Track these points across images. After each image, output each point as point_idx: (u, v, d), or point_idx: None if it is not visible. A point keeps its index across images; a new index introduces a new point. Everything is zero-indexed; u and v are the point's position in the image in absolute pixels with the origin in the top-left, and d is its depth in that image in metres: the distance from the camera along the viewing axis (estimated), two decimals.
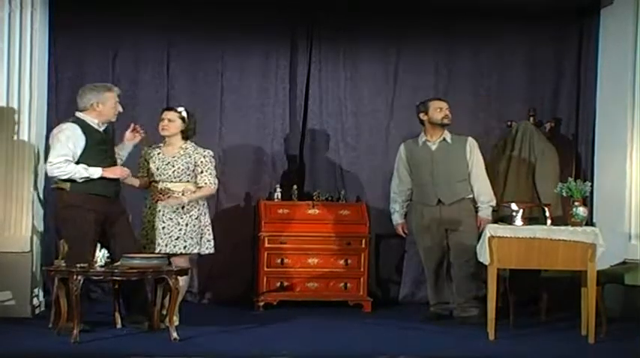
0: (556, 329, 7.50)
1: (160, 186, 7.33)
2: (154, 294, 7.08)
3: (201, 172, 7.38)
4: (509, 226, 6.98)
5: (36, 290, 7.90)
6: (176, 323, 6.88)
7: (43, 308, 7.91)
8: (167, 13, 8.75)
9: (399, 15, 8.94)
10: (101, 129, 7.12)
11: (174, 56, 8.91)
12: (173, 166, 7.34)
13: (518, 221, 7.06)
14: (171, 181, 7.33)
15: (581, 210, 6.98)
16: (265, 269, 8.38)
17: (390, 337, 7.04)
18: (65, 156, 6.91)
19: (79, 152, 6.96)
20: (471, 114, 9.02)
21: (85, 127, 7.01)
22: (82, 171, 6.92)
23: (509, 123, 8.90)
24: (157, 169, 7.36)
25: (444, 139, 7.76)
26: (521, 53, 9.20)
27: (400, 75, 9.17)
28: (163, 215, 7.27)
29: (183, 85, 8.93)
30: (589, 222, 7.92)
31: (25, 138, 7.84)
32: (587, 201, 8.28)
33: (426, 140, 7.82)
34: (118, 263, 6.74)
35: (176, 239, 7.25)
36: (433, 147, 7.77)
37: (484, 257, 6.85)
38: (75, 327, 6.44)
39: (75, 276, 6.45)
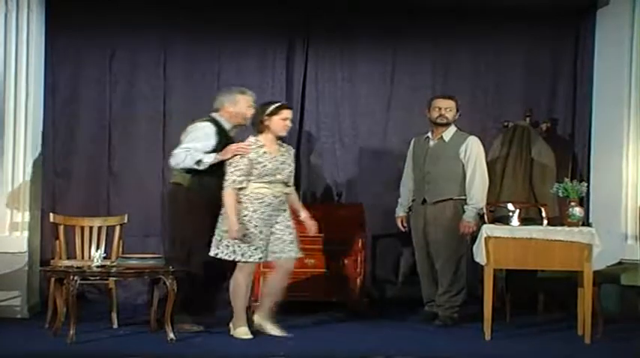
0: (552, 329, 7.51)
1: (276, 189, 6.87)
2: (151, 295, 7.09)
3: (291, 171, 7.07)
4: (506, 226, 6.99)
5: (32, 291, 7.89)
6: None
7: (39, 309, 7.90)
8: (164, 13, 8.75)
9: (395, 15, 8.93)
10: (231, 134, 7.12)
11: (171, 56, 8.91)
12: (290, 166, 6.96)
13: (515, 221, 7.07)
14: (285, 183, 6.94)
15: (578, 211, 6.98)
16: (262, 269, 8.36)
17: (387, 337, 7.04)
18: (186, 149, 6.95)
19: (207, 149, 6.95)
20: (467, 115, 8.95)
21: (219, 128, 7.06)
22: (194, 155, 6.91)
23: (505, 123, 8.91)
24: (276, 170, 6.88)
25: (442, 137, 7.74)
26: (517, 54, 9.20)
27: (397, 75, 9.16)
28: (281, 219, 6.93)
29: (180, 86, 8.93)
30: (585, 222, 7.92)
31: (22, 139, 7.84)
32: (584, 202, 8.29)
33: (427, 137, 7.83)
34: (115, 263, 6.75)
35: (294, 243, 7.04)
36: (431, 144, 7.77)
37: (480, 257, 6.86)
38: (71, 328, 6.43)
39: (71, 277, 6.45)
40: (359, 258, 8.42)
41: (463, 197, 7.62)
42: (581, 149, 9.05)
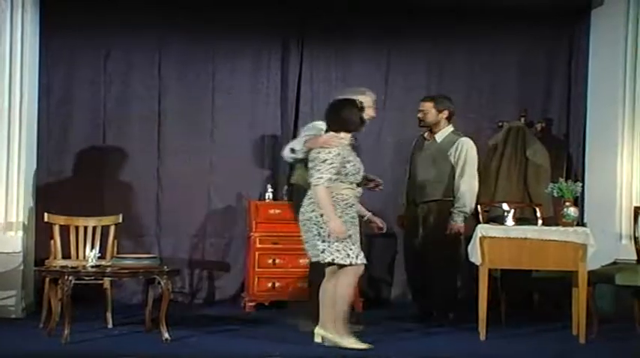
0: (547, 329, 7.51)
1: (356, 189, 6.47)
2: (146, 295, 7.08)
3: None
4: (501, 226, 6.98)
5: (27, 291, 7.88)
6: None
7: (34, 309, 7.89)
8: (158, 13, 8.74)
9: (390, 15, 8.93)
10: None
11: (166, 57, 8.90)
12: (362, 166, 6.56)
13: (510, 221, 7.06)
14: (358, 184, 6.52)
15: (572, 211, 6.99)
16: (257, 269, 8.38)
17: (382, 337, 7.02)
18: (292, 145, 6.84)
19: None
20: (462, 115, 9.00)
21: None
22: (292, 143, 6.84)
23: (500, 123, 8.92)
24: (358, 171, 6.46)
25: (434, 138, 7.75)
26: (512, 54, 9.21)
27: (392, 75, 9.17)
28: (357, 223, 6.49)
29: (175, 86, 8.92)
30: (580, 222, 7.93)
31: (16, 139, 7.83)
32: (578, 202, 8.30)
33: (424, 137, 7.84)
34: (109, 263, 6.74)
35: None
36: (425, 145, 7.78)
37: (475, 257, 6.86)
38: (66, 328, 6.42)
39: (66, 277, 6.43)
40: None
41: (451, 198, 7.60)
42: (576, 149, 9.07)
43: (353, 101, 6.63)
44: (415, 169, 7.77)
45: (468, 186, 7.57)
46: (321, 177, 6.30)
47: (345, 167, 6.35)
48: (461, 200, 7.54)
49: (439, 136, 7.72)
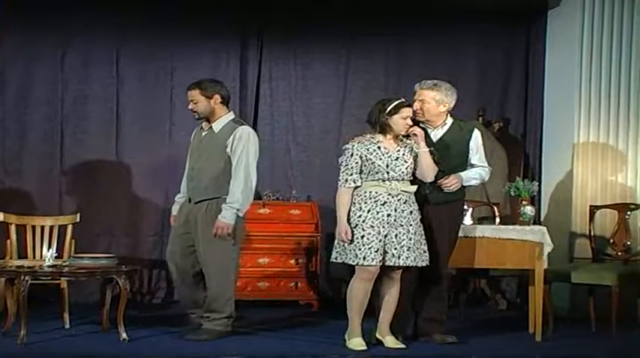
0: (503, 327, 7.56)
1: (390, 185, 6.37)
2: (103, 294, 7.04)
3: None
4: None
5: None
6: None
7: None
8: (117, 11, 8.68)
9: (349, 15, 8.95)
10: (431, 134, 6.85)
11: (124, 55, 8.84)
12: (406, 162, 6.42)
13: (468, 220, 7.10)
14: (403, 180, 6.42)
15: (529, 209, 7.05)
16: None
17: (339, 337, 7.01)
18: None
19: None
20: None
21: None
22: None
23: None
24: (387, 166, 6.38)
25: (212, 128, 6.93)
26: (470, 54, 9.26)
27: (351, 74, 9.19)
28: (395, 221, 6.36)
29: (133, 85, 8.87)
30: (536, 220, 8.00)
31: None
32: (535, 201, 8.37)
33: (202, 127, 7.07)
34: (67, 262, 6.69)
35: (408, 250, 6.36)
36: (203, 135, 7.02)
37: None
38: (22, 328, 6.36)
39: (22, 277, 6.38)
40: (312, 257, 8.46)
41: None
42: (533, 148, 9.14)
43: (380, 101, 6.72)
44: (191, 164, 6.95)
45: (243, 181, 6.68)
46: (339, 179, 6.47)
47: (365, 166, 6.43)
48: (233, 195, 6.68)
49: (216, 126, 6.84)
